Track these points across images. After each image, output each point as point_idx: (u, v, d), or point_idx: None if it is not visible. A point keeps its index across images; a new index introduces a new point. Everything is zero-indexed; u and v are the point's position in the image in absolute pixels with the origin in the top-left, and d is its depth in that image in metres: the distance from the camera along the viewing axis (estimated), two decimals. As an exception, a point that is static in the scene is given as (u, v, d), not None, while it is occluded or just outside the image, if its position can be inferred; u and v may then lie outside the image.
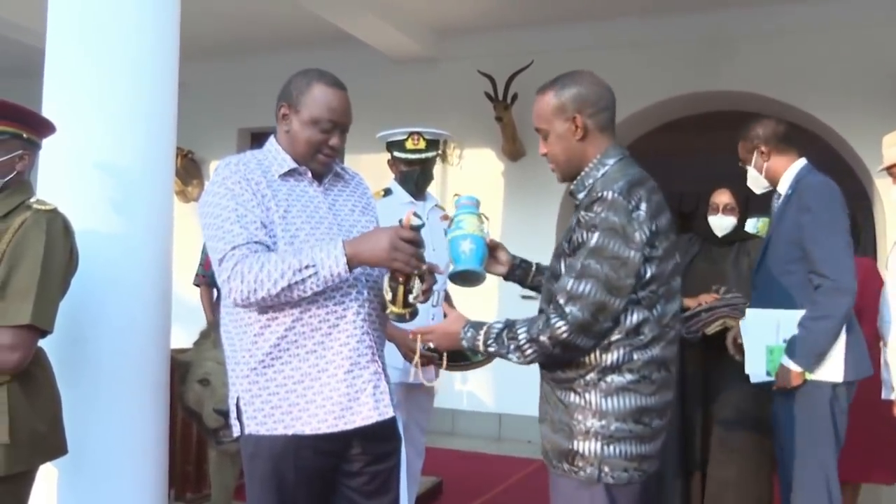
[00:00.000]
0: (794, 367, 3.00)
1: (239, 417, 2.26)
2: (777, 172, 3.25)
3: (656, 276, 2.14)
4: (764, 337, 3.09)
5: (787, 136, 3.27)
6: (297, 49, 7.00)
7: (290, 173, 2.29)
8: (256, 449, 2.22)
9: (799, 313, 3.01)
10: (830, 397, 3.00)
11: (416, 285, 2.18)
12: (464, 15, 6.63)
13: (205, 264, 5.44)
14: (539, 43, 6.68)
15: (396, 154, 3.71)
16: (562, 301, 2.09)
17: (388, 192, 3.68)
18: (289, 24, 6.82)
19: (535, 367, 2.29)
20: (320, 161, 2.31)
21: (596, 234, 2.08)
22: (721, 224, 3.85)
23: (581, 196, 2.24)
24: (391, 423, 2.30)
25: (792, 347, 3.01)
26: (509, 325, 2.18)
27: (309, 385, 2.20)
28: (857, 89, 5.98)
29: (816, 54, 6.13)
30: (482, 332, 2.21)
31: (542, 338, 2.10)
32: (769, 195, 3.36)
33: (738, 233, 3.85)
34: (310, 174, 2.32)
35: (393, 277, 2.17)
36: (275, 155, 2.31)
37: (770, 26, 6.24)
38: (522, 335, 2.14)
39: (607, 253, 2.07)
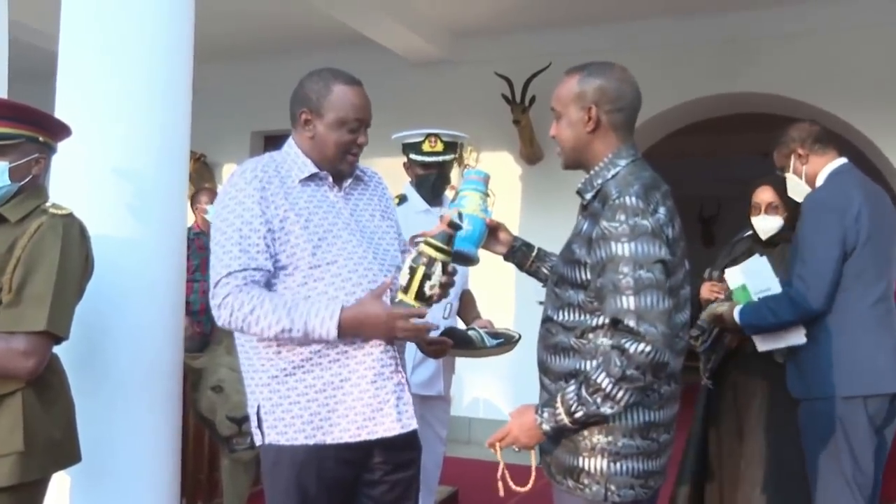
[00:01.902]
0: (733, 317, 3.21)
1: (259, 426, 2.24)
2: (815, 175, 3.18)
3: (673, 286, 2.05)
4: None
5: (823, 136, 3.19)
6: (312, 51, 6.98)
7: (310, 178, 2.27)
8: (278, 458, 2.20)
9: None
10: (841, 411, 2.95)
11: (437, 272, 2.11)
12: (481, 17, 6.59)
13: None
14: (557, 45, 6.63)
15: (413, 157, 3.62)
16: (632, 323, 1.94)
17: (403, 199, 3.60)
18: (303, 26, 6.80)
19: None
20: (349, 161, 2.30)
21: (631, 244, 1.98)
22: (765, 226, 3.53)
23: (588, 196, 2.16)
24: (412, 431, 2.29)
25: (749, 308, 3.18)
26: (583, 381, 2.01)
27: (331, 394, 2.19)
28: (883, 90, 5.90)
29: (841, 55, 6.05)
30: (559, 405, 2.04)
31: (630, 371, 1.94)
32: None
33: (785, 234, 3.48)
34: (330, 179, 2.30)
35: (416, 258, 2.11)
36: (294, 159, 2.28)
37: (793, 27, 6.17)
38: (605, 382, 1.97)
39: (650, 258, 1.97)
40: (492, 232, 2.43)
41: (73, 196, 2.84)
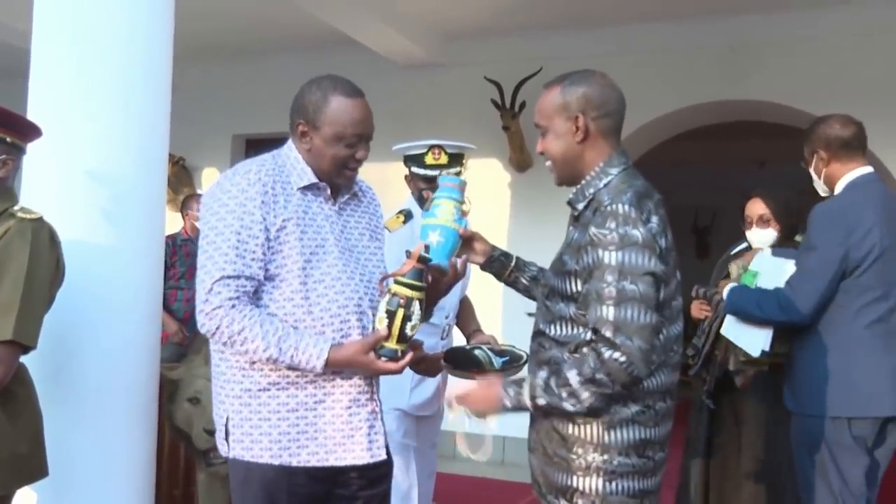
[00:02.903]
0: (724, 293, 3.21)
1: (227, 438, 2.19)
2: (835, 180, 3.07)
3: (664, 299, 2.02)
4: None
5: (853, 142, 3.05)
6: (298, 53, 6.90)
7: (308, 187, 2.21)
8: (248, 474, 2.17)
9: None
10: (828, 430, 2.91)
11: (416, 311, 2.08)
12: (471, 19, 6.53)
13: None
14: (549, 49, 6.56)
15: (414, 169, 3.38)
16: (609, 334, 1.93)
17: (409, 215, 3.35)
18: (289, 27, 6.73)
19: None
20: (346, 176, 2.24)
21: (619, 253, 1.95)
22: (757, 239, 3.52)
23: (580, 206, 2.12)
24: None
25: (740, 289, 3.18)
26: (555, 372, 2.02)
27: (303, 415, 2.15)
28: (886, 99, 5.83)
29: (842, 63, 5.99)
30: (526, 387, 2.05)
31: (599, 375, 1.94)
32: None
33: (782, 246, 3.44)
34: (328, 191, 2.24)
35: (391, 301, 2.07)
36: (294, 164, 2.22)
37: (793, 34, 6.11)
38: (574, 379, 1.97)
39: (638, 270, 1.94)
40: (467, 241, 2.37)
41: (43, 200, 2.79)
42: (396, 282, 2.09)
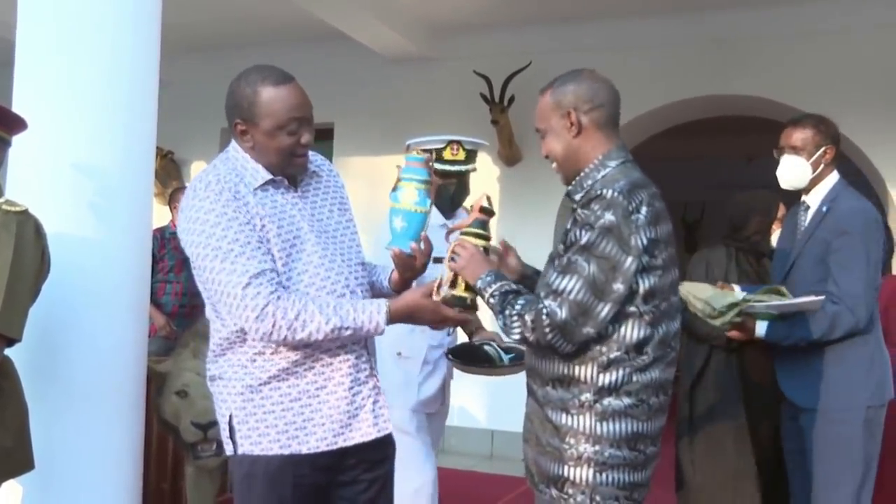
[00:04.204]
0: (759, 333, 3.02)
1: (232, 436, 2.17)
2: (822, 179, 3.06)
3: (658, 290, 2.06)
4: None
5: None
6: (287, 46, 6.84)
7: (266, 184, 2.16)
8: (252, 468, 2.15)
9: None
10: (864, 420, 2.92)
11: None
12: (460, 13, 6.51)
13: None
14: (538, 43, 6.55)
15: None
16: (542, 294, 2.04)
17: None
18: (278, 21, 6.68)
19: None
20: (297, 164, 2.19)
21: (590, 233, 2.01)
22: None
23: (578, 197, 2.17)
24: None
25: (777, 325, 2.99)
26: (517, 291, 2.11)
27: (307, 403, 2.14)
28: (873, 96, 5.85)
29: (831, 58, 5.99)
30: (497, 284, 2.12)
31: (527, 317, 2.03)
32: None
33: (768, 247, 3.52)
34: (286, 181, 2.20)
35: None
36: (244, 165, 2.17)
37: (782, 29, 6.11)
38: (518, 306, 2.06)
39: (597, 252, 2.00)
40: (501, 259, 2.40)
41: (29, 192, 2.76)
42: (464, 233, 2.18)
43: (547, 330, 2.00)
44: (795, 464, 3.10)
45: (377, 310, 2.08)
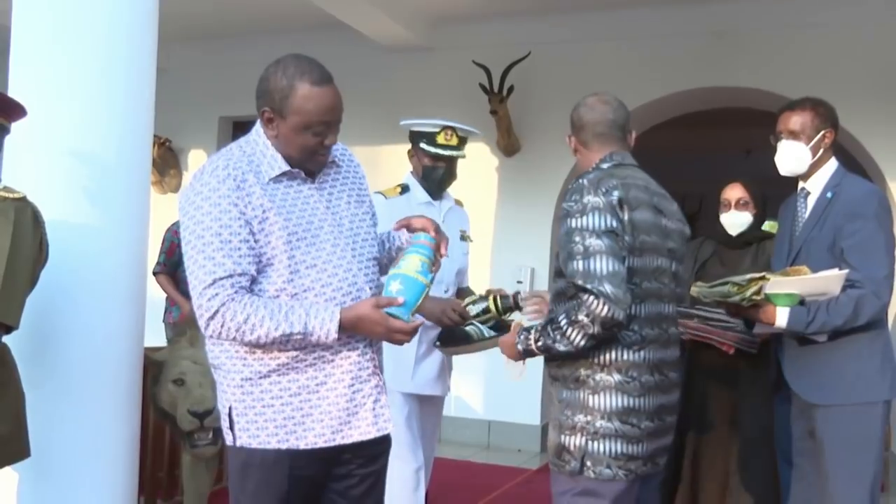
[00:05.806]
0: (780, 322, 2.79)
1: (231, 428, 2.16)
2: (818, 167, 2.99)
3: (638, 269, 2.30)
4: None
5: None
6: (285, 34, 6.83)
7: (282, 175, 2.14)
8: (249, 459, 2.14)
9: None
10: (883, 414, 2.89)
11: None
12: (459, 3, 6.48)
13: (168, 251, 5.37)
14: (537, 34, 6.52)
15: (424, 146, 3.44)
16: (581, 282, 2.20)
17: (405, 188, 3.46)
18: (277, 9, 6.66)
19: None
20: (317, 161, 2.17)
21: (583, 218, 2.25)
22: (735, 221, 3.49)
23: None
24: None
25: (800, 311, 2.79)
26: (551, 319, 2.29)
27: (306, 398, 2.12)
28: (873, 89, 5.82)
29: (829, 51, 5.97)
30: (532, 332, 2.33)
31: (581, 317, 2.19)
32: (775, 198, 3.19)
33: (754, 231, 3.49)
34: (302, 173, 2.17)
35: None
36: (263, 151, 2.14)
37: (781, 21, 6.09)
38: (563, 321, 2.24)
39: (599, 228, 2.24)
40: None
41: (27, 179, 2.75)
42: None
43: (606, 310, 2.16)
44: (802, 458, 3.01)
45: (329, 317, 2.05)
